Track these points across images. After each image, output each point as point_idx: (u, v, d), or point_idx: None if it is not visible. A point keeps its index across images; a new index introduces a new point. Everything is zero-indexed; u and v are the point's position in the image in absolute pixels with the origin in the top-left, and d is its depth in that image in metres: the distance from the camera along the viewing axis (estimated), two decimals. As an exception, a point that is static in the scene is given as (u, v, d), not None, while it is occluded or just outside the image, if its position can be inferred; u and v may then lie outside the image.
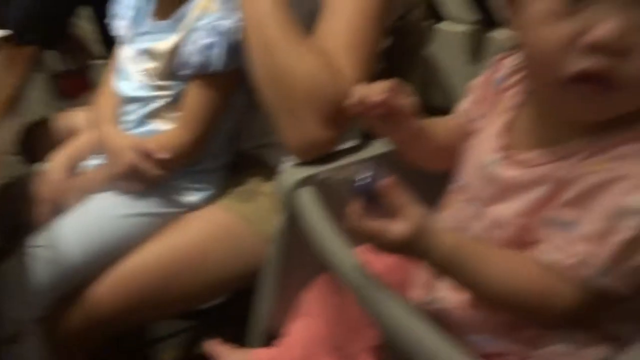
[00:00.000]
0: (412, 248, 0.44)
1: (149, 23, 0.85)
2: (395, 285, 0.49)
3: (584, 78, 0.42)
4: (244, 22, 0.70)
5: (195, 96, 0.81)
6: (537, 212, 0.47)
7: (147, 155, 0.78)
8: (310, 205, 0.57)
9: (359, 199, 0.43)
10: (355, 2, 0.66)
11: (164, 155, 0.79)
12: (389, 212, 0.43)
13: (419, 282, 0.57)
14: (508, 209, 0.49)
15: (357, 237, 0.46)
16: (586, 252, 0.42)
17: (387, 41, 0.77)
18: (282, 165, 0.85)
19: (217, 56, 0.77)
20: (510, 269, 0.45)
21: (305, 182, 0.62)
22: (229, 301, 1.06)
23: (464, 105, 0.60)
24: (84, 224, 0.78)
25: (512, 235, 0.48)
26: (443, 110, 0.62)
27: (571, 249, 0.43)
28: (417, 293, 0.57)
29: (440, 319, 0.51)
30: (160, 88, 0.84)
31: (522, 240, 0.47)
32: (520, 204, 0.48)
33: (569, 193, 0.44)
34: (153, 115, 0.84)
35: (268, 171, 0.87)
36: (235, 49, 0.77)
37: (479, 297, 0.48)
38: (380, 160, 0.55)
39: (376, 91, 0.52)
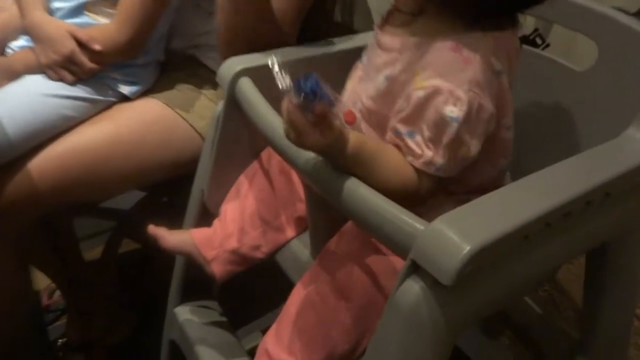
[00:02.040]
0: (325, 153, 0.50)
1: None
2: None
3: None
4: None
5: None
6: (378, 101, 0.56)
7: (83, 46, 0.79)
8: (250, 90, 0.63)
9: (297, 95, 0.45)
10: None
11: (98, 47, 0.79)
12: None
13: None
14: (367, 90, 0.58)
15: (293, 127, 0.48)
16: (428, 154, 0.52)
17: None
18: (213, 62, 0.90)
19: None
20: (392, 165, 0.53)
21: (243, 72, 0.67)
22: (149, 202, 1.11)
23: None
24: (14, 100, 0.77)
25: (368, 113, 0.58)
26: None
27: (417, 151, 0.53)
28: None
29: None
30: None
31: (382, 129, 0.57)
32: (369, 87, 0.57)
33: (404, 110, 0.53)
34: (88, 7, 0.83)
35: (199, 69, 0.91)
36: None
37: (372, 185, 0.52)
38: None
39: None
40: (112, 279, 1.11)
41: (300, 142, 0.48)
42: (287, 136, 0.49)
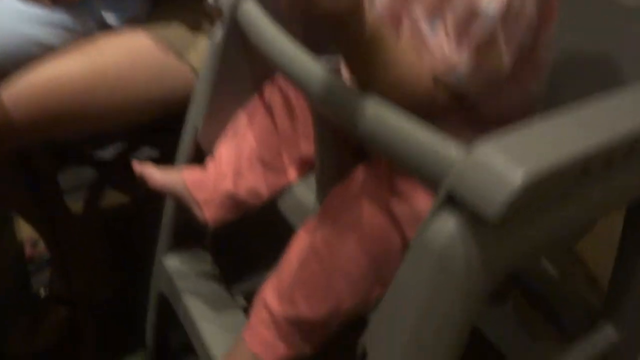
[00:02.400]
0: (343, 21, 0.39)
1: None
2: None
3: None
4: None
5: None
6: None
7: None
8: (256, 14, 0.55)
9: None
10: None
11: None
12: None
13: None
14: None
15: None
16: (448, 56, 0.44)
17: None
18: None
19: None
20: (406, 66, 0.45)
21: None
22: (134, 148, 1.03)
23: None
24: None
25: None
26: None
27: (436, 50, 0.45)
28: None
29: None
30: None
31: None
32: None
33: None
34: None
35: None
36: None
37: (377, 86, 0.44)
38: None
39: None
40: (97, 232, 1.05)
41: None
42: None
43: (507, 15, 0.43)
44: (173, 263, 0.77)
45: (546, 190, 0.35)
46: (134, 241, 1.08)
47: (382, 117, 0.40)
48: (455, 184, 0.34)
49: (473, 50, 0.44)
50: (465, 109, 0.49)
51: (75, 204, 1.09)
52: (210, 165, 0.66)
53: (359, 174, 0.53)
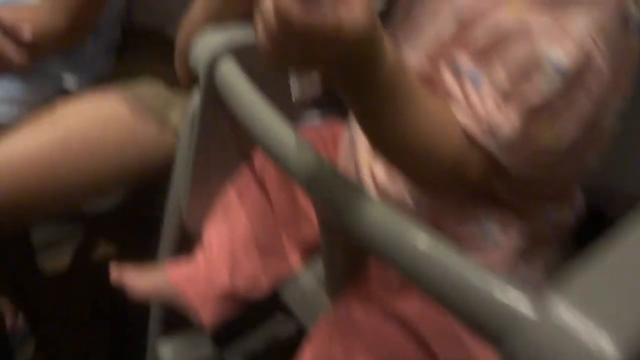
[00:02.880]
0: (369, 44, 0.30)
1: None
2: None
3: None
4: None
5: None
6: (443, 52, 0.38)
7: (9, 33, 0.60)
8: (234, 75, 0.46)
9: None
10: None
11: (28, 33, 0.60)
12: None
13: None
14: (418, 44, 0.40)
15: (289, 59, 0.30)
16: (492, 116, 0.35)
17: None
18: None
19: None
20: (438, 122, 0.36)
21: (225, 51, 0.49)
22: (122, 203, 0.94)
23: None
24: None
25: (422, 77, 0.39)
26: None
27: (477, 108, 0.36)
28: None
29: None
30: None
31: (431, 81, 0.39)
32: (426, 42, 0.40)
33: (478, 35, 0.36)
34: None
35: (168, 49, 0.72)
36: None
37: (388, 148, 0.37)
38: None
39: None
40: (81, 296, 0.96)
41: (331, 47, 0.28)
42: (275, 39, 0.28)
43: (579, 72, 0.34)
44: (167, 351, 0.68)
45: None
46: (124, 305, 0.99)
47: (419, 250, 0.30)
48: (525, 350, 0.25)
49: (525, 112, 0.35)
50: (496, 183, 0.40)
51: (51, 262, 1.00)
52: (200, 255, 0.56)
53: (373, 273, 0.44)
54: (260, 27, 0.28)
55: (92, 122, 0.65)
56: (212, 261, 0.54)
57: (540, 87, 0.34)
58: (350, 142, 0.50)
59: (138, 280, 0.53)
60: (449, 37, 0.39)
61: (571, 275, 0.26)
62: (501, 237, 0.41)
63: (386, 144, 0.36)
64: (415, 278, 0.30)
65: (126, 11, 0.75)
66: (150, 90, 0.69)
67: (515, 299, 0.26)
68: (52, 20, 0.63)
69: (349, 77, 0.32)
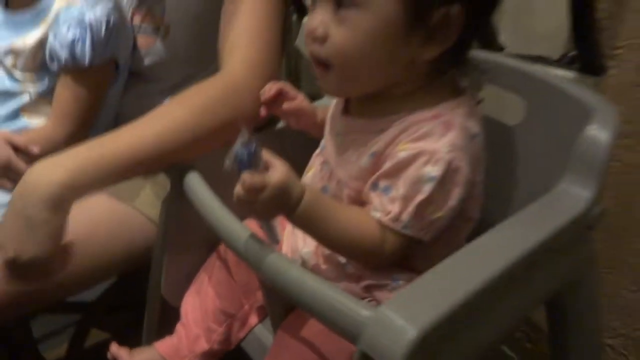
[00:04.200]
0: (288, 194, 0.49)
1: (3, 14, 0.83)
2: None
3: (314, 62, 0.55)
4: None
5: (65, 91, 0.81)
6: (366, 178, 0.57)
7: (20, 151, 0.78)
8: (199, 187, 0.62)
9: (239, 164, 0.48)
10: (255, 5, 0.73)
11: (36, 149, 0.78)
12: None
13: (285, 252, 0.67)
14: (347, 172, 0.59)
15: (242, 204, 0.50)
16: (395, 211, 0.53)
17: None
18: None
19: (82, 51, 0.78)
20: (354, 221, 0.54)
21: (191, 166, 0.66)
22: (110, 293, 1.07)
23: None
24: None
25: (353, 195, 0.59)
26: (311, 96, 0.72)
27: (387, 208, 0.54)
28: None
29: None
30: (28, 81, 0.83)
31: (360, 200, 0.58)
32: (353, 169, 0.59)
33: (386, 165, 0.55)
34: (24, 109, 0.83)
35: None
36: (101, 43, 0.78)
37: (329, 244, 0.56)
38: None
39: (270, 87, 0.65)
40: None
41: (262, 199, 0.48)
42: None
43: (445, 177, 0.52)
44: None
45: (444, 332, 0.42)
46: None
47: (305, 285, 0.47)
48: (366, 344, 0.41)
49: (416, 205, 0.53)
50: (415, 262, 0.58)
51: (53, 350, 1.10)
52: (180, 329, 0.72)
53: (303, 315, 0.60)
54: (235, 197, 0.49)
55: (85, 220, 0.76)
56: (191, 332, 0.70)
57: (425, 190, 0.52)
58: None
59: (132, 356, 0.68)
60: (368, 166, 0.57)
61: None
62: (406, 279, 0.58)
63: (323, 244, 0.56)
64: (308, 309, 0.47)
65: (115, 123, 0.91)
66: (130, 187, 0.83)
67: (358, 309, 0.43)
68: (56, 134, 0.80)
69: (283, 210, 0.51)
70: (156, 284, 0.75)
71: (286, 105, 0.66)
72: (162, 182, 0.84)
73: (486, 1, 0.54)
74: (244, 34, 0.73)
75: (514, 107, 0.71)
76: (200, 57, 0.85)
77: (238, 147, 0.47)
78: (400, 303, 0.42)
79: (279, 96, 0.66)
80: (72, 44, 0.78)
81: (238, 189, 0.49)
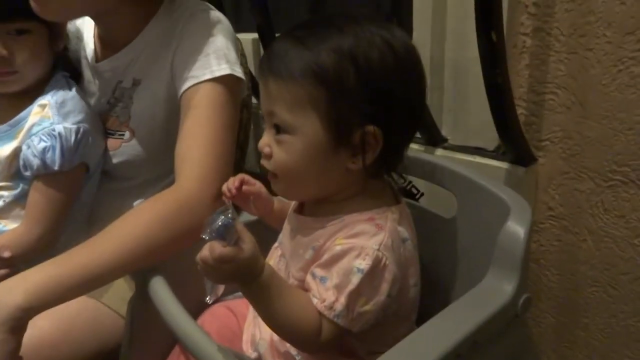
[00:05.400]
0: (250, 270, 0.55)
1: None
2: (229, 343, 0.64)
3: (267, 173, 0.64)
4: None
5: (38, 195, 0.87)
6: (308, 270, 0.63)
7: None
8: (161, 292, 0.66)
9: (214, 233, 0.53)
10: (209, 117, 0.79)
11: (7, 254, 0.83)
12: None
13: (246, 341, 0.71)
14: (296, 264, 0.66)
15: (204, 268, 0.55)
16: (330, 299, 0.58)
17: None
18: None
19: (52, 158, 0.84)
20: (298, 303, 0.59)
21: (155, 271, 0.70)
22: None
23: None
24: None
25: (297, 285, 0.65)
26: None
27: (323, 296, 0.59)
28: (245, 348, 0.72)
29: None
30: (3, 189, 0.89)
31: (303, 289, 0.64)
32: (300, 262, 0.65)
33: (324, 257, 0.61)
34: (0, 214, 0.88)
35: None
36: (70, 150, 0.85)
37: (272, 322, 0.59)
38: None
39: (231, 182, 0.70)
40: None
41: (234, 267, 0.54)
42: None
43: (373, 271, 0.58)
44: None
45: None
46: None
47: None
48: None
49: (346, 296, 0.58)
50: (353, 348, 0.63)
51: None
52: None
53: None
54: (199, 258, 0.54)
55: (59, 319, 0.80)
56: None
57: (354, 281, 0.58)
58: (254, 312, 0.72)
59: None
60: (310, 259, 0.64)
61: None
62: None
63: (267, 321, 0.60)
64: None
65: (88, 224, 0.96)
66: (108, 290, 0.87)
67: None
68: (29, 235, 0.84)
69: (241, 281, 0.56)
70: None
71: (246, 188, 0.72)
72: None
73: (399, 122, 0.62)
74: (197, 148, 0.77)
75: (450, 202, 0.78)
76: (166, 159, 0.91)
77: (217, 216, 0.53)
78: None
79: (241, 186, 0.72)
80: (43, 152, 0.84)
81: (205, 254, 0.53)
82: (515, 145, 0.86)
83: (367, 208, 0.63)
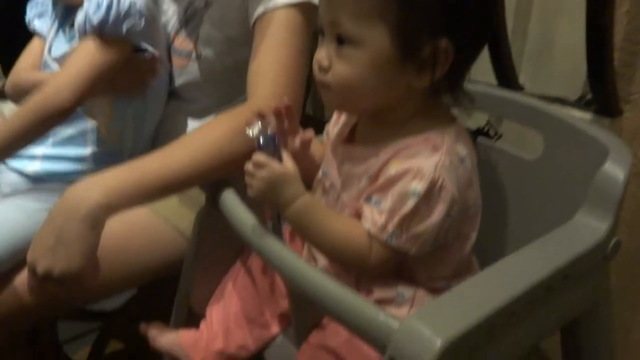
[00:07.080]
0: (284, 186, 0.57)
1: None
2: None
3: (319, 84, 0.62)
4: None
5: (76, 54, 0.85)
6: (361, 195, 0.62)
7: None
8: (233, 204, 0.66)
9: (258, 144, 0.57)
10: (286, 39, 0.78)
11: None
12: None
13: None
14: (350, 194, 0.64)
15: (246, 177, 0.58)
16: (381, 221, 0.57)
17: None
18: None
19: (96, 11, 0.82)
20: (344, 229, 0.59)
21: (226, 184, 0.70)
22: (133, 302, 1.11)
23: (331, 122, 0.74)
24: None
25: (352, 215, 0.63)
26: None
27: (375, 218, 0.58)
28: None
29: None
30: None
31: (358, 218, 0.62)
32: (354, 191, 0.64)
33: (380, 181, 0.59)
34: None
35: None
36: (117, 14, 0.82)
37: (318, 246, 0.61)
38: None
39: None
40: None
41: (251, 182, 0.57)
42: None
43: (430, 193, 0.56)
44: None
45: (466, 346, 0.45)
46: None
47: (334, 293, 0.50)
48: (395, 352, 0.44)
49: (401, 218, 0.57)
50: (413, 272, 0.62)
51: (76, 353, 1.14)
52: (203, 326, 0.75)
53: (330, 326, 0.63)
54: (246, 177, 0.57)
55: (121, 228, 0.81)
56: (211, 330, 0.73)
57: (409, 204, 0.56)
58: None
59: (158, 335, 0.72)
60: (367, 187, 0.62)
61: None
62: (410, 295, 0.62)
63: (315, 245, 0.61)
64: (336, 316, 0.50)
65: (154, 138, 0.98)
66: (167, 204, 0.87)
67: (389, 319, 0.46)
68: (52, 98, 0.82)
69: (281, 199, 0.57)
70: (185, 295, 0.79)
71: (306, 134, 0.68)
72: (190, 194, 0.88)
73: (472, 35, 0.59)
74: (271, 67, 0.77)
75: (532, 144, 0.75)
76: (232, 82, 0.90)
77: (264, 130, 0.57)
78: (427, 314, 0.46)
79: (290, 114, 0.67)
80: (90, 4, 0.83)
81: (247, 163, 0.57)
82: (605, 94, 0.81)
83: (423, 130, 0.60)
